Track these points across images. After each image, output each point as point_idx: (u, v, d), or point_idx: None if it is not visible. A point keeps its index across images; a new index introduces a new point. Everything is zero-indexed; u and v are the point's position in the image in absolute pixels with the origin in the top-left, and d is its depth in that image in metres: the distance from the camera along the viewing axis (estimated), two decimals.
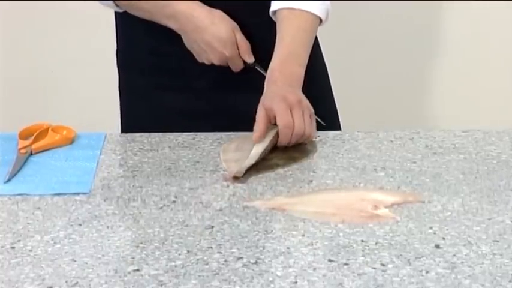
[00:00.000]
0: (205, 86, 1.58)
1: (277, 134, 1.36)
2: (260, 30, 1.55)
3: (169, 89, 1.60)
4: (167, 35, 1.55)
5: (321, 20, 1.53)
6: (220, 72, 1.56)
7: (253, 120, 1.37)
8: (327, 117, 1.62)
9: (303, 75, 1.46)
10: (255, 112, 1.38)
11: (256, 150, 1.33)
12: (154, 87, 1.61)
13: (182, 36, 1.53)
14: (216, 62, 1.52)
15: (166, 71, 1.60)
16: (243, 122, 1.40)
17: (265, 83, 1.44)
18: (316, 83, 1.59)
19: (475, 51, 2.54)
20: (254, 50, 1.55)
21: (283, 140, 1.37)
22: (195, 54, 1.53)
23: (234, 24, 1.52)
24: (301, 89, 1.44)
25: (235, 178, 1.28)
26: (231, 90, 1.56)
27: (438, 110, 2.62)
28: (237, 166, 1.30)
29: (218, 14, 1.52)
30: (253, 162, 1.30)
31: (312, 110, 1.40)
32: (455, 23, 2.53)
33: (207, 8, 1.51)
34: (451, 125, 2.54)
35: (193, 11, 1.51)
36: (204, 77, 1.58)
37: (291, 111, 1.37)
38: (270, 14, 1.53)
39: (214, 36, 1.50)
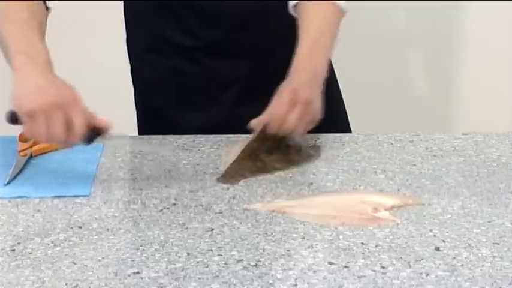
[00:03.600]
0: (226, 101, 1.57)
1: (259, 136, 1.36)
2: (279, 29, 1.51)
3: (189, 107, 1.58)
4: (183, 54, 1.55)
5: (343, 12, 1.48)
6: (242, 86, 1.55)
7: None
8: (339, 121, 1.62)
9: (327, 67, 1.41)
10: None
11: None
12: (172, 106, 1.59)
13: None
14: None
15: (185, 90, 1.58)
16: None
17: (291, 70, 1.38)
18: (327, 88, 1.58)
19: (475, 54, 2.55)
20: (275, 48, 1.51)
21: (269, 129, 1.35)
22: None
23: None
24: (323, 82, 1.39)
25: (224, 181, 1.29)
26: (253, 102, 1.53)
27: (438, 113, 2.63)
28: (234, 174, 1.31)
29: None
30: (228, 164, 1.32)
31: (318, 117, 1.36)
32: (455, 26, 2.53)
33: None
34: (451, 127, 2.55)
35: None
36: (225, 92, 1.57)
37: (293, 106, 1.33)
38: (290, 9, 1.49)
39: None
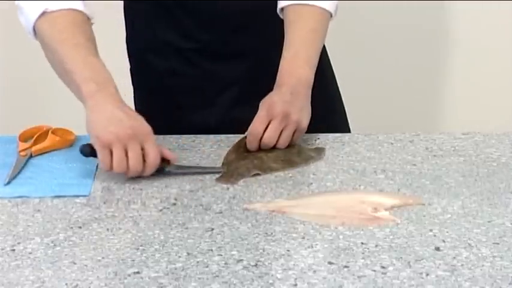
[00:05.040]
0: (224, 103, 1.58)
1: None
2: (277, 31, 1.50)
3: (187, 108, 1.58)
4: (181, 56, 1.55)
5: (331, 15, 1.48)
6: (239, 88, 1.56)
7: None
8: (337, 120, 1.62)
9: (312, 77, 1.42)
10: None
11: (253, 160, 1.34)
12: (171, 107, 1.59)
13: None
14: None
15: (183, 91, 1.58)
16: None
17: (274, 85, 1.41)
18: (325, 87, 1.58)
19: (475, 54, 2.54)
20: (263, 50, 1.52)
21: (248, 145, 1.37)
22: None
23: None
24: (310, 91, 1.40)
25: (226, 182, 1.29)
26: (251, 104, 1.53)
27: (438, 113, 2.62)
28: (233, 173, 1.31)
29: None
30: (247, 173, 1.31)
31: (302, 126, 1.38)
32: (456, 26, 2.53)
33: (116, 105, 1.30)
34: (451, 127, 2.55)
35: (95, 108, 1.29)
36: (223, 94, 1.57)
37: (270, 121, 1.36)
38: (278, 11, 1.49)
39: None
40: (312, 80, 1.42)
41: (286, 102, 1.37)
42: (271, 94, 1.39)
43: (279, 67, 1.42)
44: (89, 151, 1.30)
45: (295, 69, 1.41)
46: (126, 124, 1.27)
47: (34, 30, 1.40)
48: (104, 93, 1.30)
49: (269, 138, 1.36)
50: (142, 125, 1.29)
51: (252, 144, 1.37)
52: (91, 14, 1.42)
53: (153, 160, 1.28)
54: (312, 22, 1.46)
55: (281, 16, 1.49)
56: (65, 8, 1.38)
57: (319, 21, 1.47)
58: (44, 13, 1.38)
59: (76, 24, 1.38)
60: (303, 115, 1.38)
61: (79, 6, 1.39)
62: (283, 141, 1.37)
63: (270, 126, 1.36)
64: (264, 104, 1.37)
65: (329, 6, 1.47)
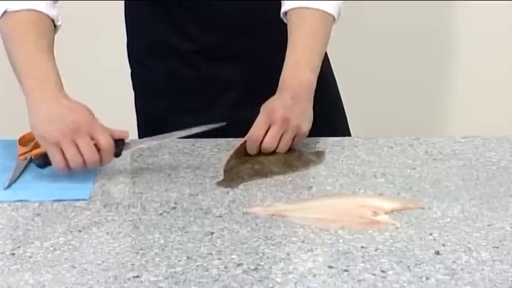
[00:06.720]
0: (225, 105, 1.58)
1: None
2: (277, 33, 1.50)
3: (188, 110, 1.58)
4: (182, 58, 1.55)
5: (334, 19, 1.48)
6: (240, 90, 1.56)
7: None
8: (338, 123, 1.62)
9: (315, 81, 1.42)
10: None
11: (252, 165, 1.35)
12: (171, 110, 1.60)
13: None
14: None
15: (184, 94, 1.58)
16: None
17: (277, 89, 1.41)
18: (326, 90, 1.59)
19: (475, 57, 2.55)
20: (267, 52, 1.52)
21: (248, 150, 1.37)
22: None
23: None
24: (312, 95, 1.40)
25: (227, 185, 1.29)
26: (252, 106, 1.49)
27: (438, 116, 2.63)
28: (233, 177, 1.31)
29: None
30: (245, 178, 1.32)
31: (302, 131, 1.38)
32: (456, 30, 2.53)
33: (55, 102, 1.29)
34: (451, 131, 2.55)
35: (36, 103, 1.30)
36: (224, 96, 1.57)
37: (270, 125, 1.36)
38: (281, 15, 1.49)
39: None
40: (315, 84, 1.42)
41: (286, 107, 1.37)
42: (272, 99, 1.39)
43: (282, 71, 1.42)
44: (43, 162, 1.30)
45: (297, 73, 1.41)
46: (68, 119, 1.26)
47: None
48: (43, 89, 1.30)
49: (268, 143, 1.36)
50: (83, 115, 1.28)
51: (251, 149, 1.37)
52: (56, 16, 1.42)
53: (106, 145, 1.26)
54: (313, 25, 1.46)
55: (285, 20, 1.49)
56: (24, 9, 1.40)
57: (321, 23, 1.47)
58: (5, 12, 1.40)
59: (31, 22, 1.39)
60: (303, 120, 1.38)
61: (40, 7, 1.40)
62: (283, 146, 1.37)
63: (269, 131, 1.36)
64: (264, 109, 1.38)
65: (331, 9, 1.47)
